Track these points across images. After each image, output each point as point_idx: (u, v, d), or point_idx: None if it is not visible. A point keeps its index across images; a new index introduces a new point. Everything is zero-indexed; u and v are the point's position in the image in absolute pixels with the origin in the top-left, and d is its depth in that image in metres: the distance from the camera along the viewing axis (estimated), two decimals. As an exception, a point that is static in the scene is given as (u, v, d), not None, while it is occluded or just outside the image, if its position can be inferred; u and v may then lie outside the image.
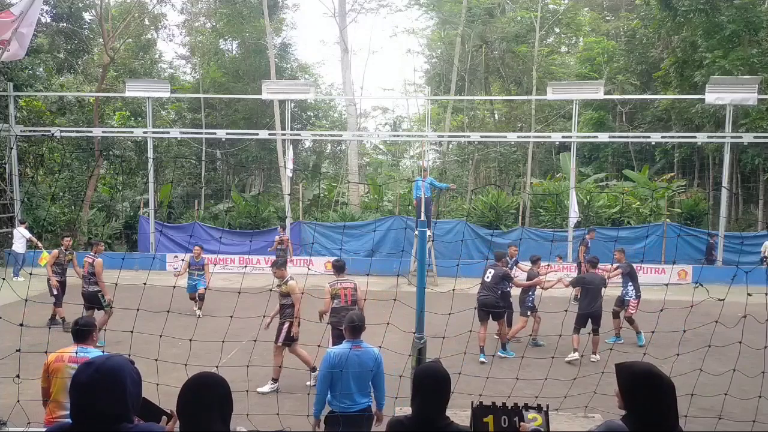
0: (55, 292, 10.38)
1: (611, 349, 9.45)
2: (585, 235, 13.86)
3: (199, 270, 11.72)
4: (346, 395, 4.41)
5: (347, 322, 4.73)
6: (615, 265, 10.33)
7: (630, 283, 9.94)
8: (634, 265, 10.36)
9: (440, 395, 2.70)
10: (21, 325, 3.94)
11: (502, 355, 9.10)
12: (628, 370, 2.47)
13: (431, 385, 2.70)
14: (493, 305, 9.02)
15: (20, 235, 15.54)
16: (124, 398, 1.90)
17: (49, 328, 9.55)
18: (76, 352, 4.23)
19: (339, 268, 7.87)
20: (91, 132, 19.66)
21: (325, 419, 4.48)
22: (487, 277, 9.27)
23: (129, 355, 2.27)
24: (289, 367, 7.03)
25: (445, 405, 2.72)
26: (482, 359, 8.84)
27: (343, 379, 4.41)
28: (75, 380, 1.91)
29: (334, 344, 7.46)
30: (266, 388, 7.26)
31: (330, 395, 4.45)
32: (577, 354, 8.86)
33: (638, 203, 19.74)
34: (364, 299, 7.16)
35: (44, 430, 2.91)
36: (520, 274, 10.63)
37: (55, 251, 10.64)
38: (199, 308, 11.61)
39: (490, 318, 9.11)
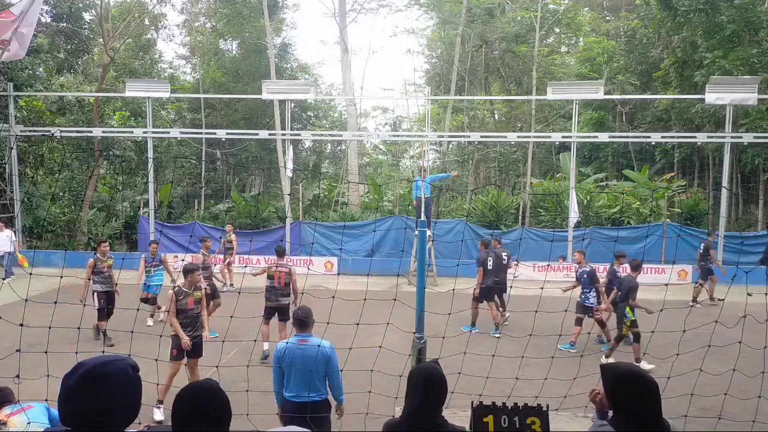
0: (97, 306, 9.58)
1: (612, 350, 9.48)
2: (708, 238, 13.56)
3: (155, 267, 10.74)
4: (296, 387, 4.53)
5: (293, 315, 4.83)
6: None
7: (592, 289, 9.44)
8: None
9: (435, 395, 2.71)
10: (21, 325, 3.94)
11: (494, 335, 9.99)
12: (611, 372, 2.53)
13: (426, 384, 2.70)
14: (500, 284, 10.35)
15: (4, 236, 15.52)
16: (111, 403, 1.84)
17: (96, 339, 9.45)
18: (19, 405, 4.27)
19: (279, 252, 8.71)
20: (91, 132, 19.66)
21: (281, 407, 4.67)
22: (490, 266, 10.33)
23: (129, 355, 2.26)
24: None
25: (441, 405, 2.73)
26: (497, 335, 10.05)
27: (290, 372, 4.53)
28: (63, 385, 1.86)
29: (265, 314, 8.26)
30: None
31: (284, 387, 4.60)
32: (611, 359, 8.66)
33: (638, 203, 19.73)
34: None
35: (42, 430, 2.91)
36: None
37: (91, 260, 9.68)
38: (151, 315, 10.76)
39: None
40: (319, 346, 4.53)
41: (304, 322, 4.68)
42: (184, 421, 2.02)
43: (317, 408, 4.52)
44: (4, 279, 14.94)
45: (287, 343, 4.67)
